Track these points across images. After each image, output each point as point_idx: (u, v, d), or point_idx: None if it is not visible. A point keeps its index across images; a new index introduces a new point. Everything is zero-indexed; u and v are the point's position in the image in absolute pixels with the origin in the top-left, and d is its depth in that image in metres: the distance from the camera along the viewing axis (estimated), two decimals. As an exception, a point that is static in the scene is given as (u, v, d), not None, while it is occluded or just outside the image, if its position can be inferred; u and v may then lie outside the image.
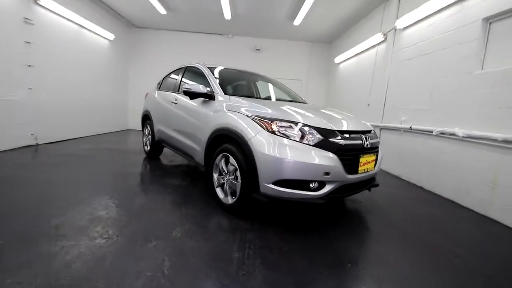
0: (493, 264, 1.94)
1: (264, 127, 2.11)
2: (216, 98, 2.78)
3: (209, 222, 2.24)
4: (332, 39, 8.12)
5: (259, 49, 8.24)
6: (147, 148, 4.57)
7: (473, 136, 2.99)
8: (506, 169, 2.67)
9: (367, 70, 5.88)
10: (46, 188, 2.73)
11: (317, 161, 1.99)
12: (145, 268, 1.54)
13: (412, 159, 4.10)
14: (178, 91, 3.64)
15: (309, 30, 7.29)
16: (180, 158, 4.67)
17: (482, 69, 3.08)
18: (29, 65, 4.49)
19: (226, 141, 2.50)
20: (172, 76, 4.12)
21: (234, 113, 2.40)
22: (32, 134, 4.68)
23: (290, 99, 3.53)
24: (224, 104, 2.62)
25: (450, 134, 3.33)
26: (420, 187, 3.88)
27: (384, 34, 5.12)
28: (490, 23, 3.00)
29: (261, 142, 2.06)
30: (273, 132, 2.07)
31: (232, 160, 2.32)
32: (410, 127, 4.11)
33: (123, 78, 8.05)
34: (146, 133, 4.59)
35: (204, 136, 2.74)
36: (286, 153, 1.98)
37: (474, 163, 3.02)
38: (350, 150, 2.16)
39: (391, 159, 4.54)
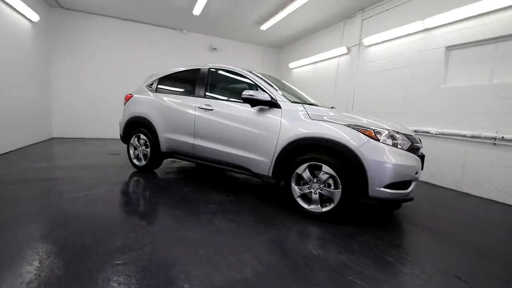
0: (470, 214, 2.81)
1: (369, 136, 2.28)
2: (282, 106, 2.70)
3: (320, 234, 2.21)
4: (282, 45, 8.72)
5: (215, 49, 7.94)
6: (140, 162, 3.80)
7: (445, 133, 4.05)
8: (471, 156, 3.78)
9: (329, 77, 6.70)
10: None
11: (413, 163, 2.33)
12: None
13: (386, 153, 5.05)
14: (205, 96, 3.25)
15: (267, 35, 7.58)
16: (184, 169, 4.11)
17: (445, 84, 4.18)
18: None
19: (309, 150, 2.50)
20: (181, 78, 3.61)
21: (326, 123, 2.44)
22: None
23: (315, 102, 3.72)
24: (300, 113, 2.59)
25: (424, 132, 4.36)
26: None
27: (348, 48, 6.00)
28: (450, 50, 4.12)
29: (372, 150, 2.22)
30: (377, 140, 2.27)
31: (326, 168, 2.36)
32: (383, 127, 5.05)
33: (45, 74, 6.13)
34: (137, 144, 3.80)
35: (276, 147, 2.62)
36: (396, 159, 2.22)
37: (446, 153, 4.08)
38: (419, 151, 2.61)
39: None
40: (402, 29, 4.66)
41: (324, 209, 2.42)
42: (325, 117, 2.49)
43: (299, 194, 2.54)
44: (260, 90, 2.80)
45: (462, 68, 4.00)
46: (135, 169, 3.88)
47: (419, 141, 2.71)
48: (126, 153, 4.00)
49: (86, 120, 6.90)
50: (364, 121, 2.41)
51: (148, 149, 3.65)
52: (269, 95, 2.73)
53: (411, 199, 2.44)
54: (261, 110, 2.78)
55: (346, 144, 2.28)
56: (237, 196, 3.03)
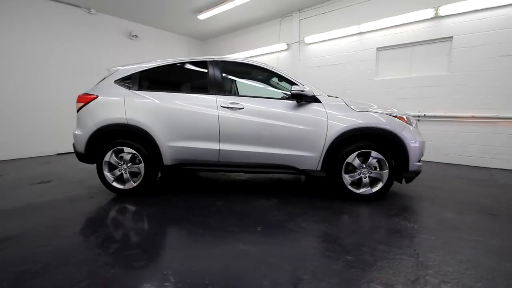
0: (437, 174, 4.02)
1: (404, 121, 2.72)
2: (321, 100, 2.75)
3: (388, 211, 2.49)
4: (206, 37, 8.30)
5: (136, 36, 6.61)
6: (124, 184, 2.85)
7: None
8: (403, 131, 5.08)
9: (269, 71, 7.02)
10: None
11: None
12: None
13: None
14: (225, 93, 2.81)
15: (195, 25, 7.03)
16: (189, 183, 3.39)
17: (377, 77, 5.34)
18: None
19: (355, 139, 2.70)
20: (179, 72, 2.97)
21: (369, 113, 2.70)
22: None
23: None
24: (341, 105, 2.74)
25: (366, 116, 5.44)
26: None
27: (288, 45, 6.49)
28: (379, 51, 5.27)
29: (410, 133, 2.67)
30: (410, 124, 2.75)
31: (375, 154, 2.65)
32: (331, 114, 5.91)
33: None
34: (117, 161, 2.82)
35: (325, 140, 2.67)
36: (421, 137, 2.77)
37: (385, 131, 5.28)
38: None
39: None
40: (341, 31, 5.53)
41: (374, 190, 2.72)
42: (361, 107, 2.75)
43: (350, 181, 2.72)
44: (300, 85, 2.72)
45: (389, 65, 5.23)
46: (114, 195, 2.90)
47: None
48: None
49: None
50: (375, 106, 2.85)
51: (141, 165, 2.80)
52: (310, 89, 2.72)
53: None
54: (300, 106, 2.74)
55: (393, 130, 2.64)
56: (277, 198, 2.88)
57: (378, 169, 2.71)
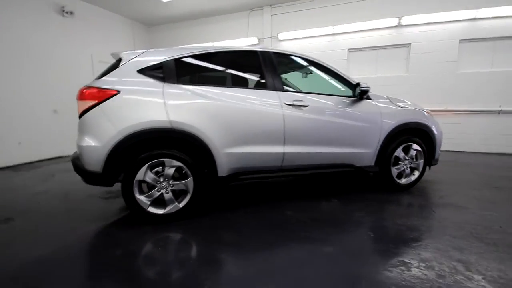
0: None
1: (430, 115, 3.08)
2: (372, 97, 2.82)
3: (433, 197, 2.81)
4: (157, 23, 7.18)
5: (71, 13, 5.02)
6: (164, 207, 2.16)
7: (356, 111, 5.79)
8: (372, 124, 5.78)
9: (236, 66, 6.68)
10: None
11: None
12: None
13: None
14: (284, 89, 2.49)
15: (151, 8, 5.98)
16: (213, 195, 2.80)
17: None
18: None
19: (399, 134, 2.89)
20: (228, 62, 2.50)
21: (410, 109, 2.93)
22: None
23: None
24: (387, 101, 2.91)
25: (340, 112, 5.92)
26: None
27: (259, 39, 6.31)
28: (350, 52, 5.77)
29: (437, 126, 3.06)
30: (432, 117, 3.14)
31: (415, 146, 2.92)
32: (306, 110, 6.15)
33: None
34: (154, 179, 2.10)
35: (379, 136, 2.75)
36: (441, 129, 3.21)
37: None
38: None
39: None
40: (315, 31, 5.78)
41: (413, 178, 3.01)
42: (400, 104, 2.97)
43: (396, 173, 2.92)
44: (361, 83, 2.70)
45: (358, 65, 5.81)
46: (145, 224, 2.17)
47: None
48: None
49: None
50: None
51: (189, 180, 2.18)
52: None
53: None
54: (356, 103, 2.73)
55: (429, 124, 2.96)
56: (336, 197, 2.81)
57: (415, 160, 2.99)
